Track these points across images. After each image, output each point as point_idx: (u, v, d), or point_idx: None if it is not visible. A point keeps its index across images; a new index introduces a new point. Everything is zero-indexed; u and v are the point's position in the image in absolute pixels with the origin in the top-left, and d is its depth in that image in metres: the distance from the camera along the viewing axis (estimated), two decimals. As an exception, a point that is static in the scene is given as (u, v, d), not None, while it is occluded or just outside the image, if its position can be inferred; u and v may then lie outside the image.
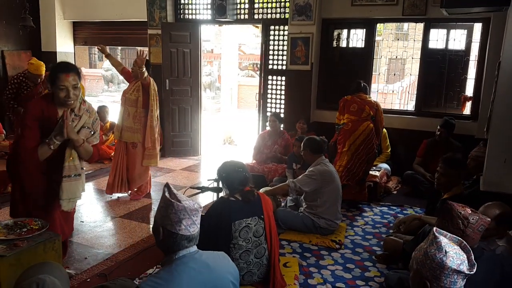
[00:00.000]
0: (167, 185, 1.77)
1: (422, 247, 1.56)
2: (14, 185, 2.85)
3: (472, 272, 1.48)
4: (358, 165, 4.47)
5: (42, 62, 5.53)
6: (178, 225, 1.68)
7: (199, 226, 1.76)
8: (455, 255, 1.49)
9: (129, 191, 4.91)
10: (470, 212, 2.12)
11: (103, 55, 5.20)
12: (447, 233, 1.58)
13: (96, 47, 5.01)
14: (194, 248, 1.77)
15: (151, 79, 4.69)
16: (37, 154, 2.63)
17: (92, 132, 2.89)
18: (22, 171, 2.75)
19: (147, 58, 5.20)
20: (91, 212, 4.44)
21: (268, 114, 6.23)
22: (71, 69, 2.66)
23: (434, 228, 1.59)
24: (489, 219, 2.16)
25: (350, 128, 4.54)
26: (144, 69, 4.52)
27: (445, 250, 1.49)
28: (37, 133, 2.66)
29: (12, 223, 2.54)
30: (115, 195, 4.92)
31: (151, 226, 3.89)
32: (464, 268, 1.48)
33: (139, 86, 4.65)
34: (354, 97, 4.64)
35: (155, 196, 4.97)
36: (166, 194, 1.73)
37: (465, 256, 1.51)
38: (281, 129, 5.77)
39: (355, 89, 4.73)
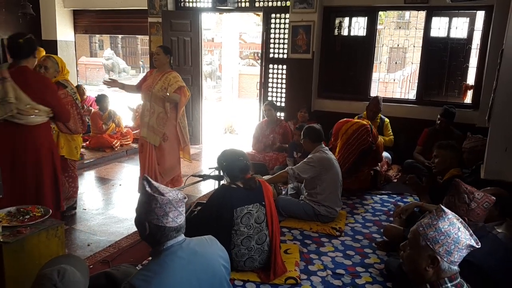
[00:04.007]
0: (145, 179, 1.70)
1: (430, 224, 1.54)
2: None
3: (478, 246, 1.50)
4: (348, 154, 4.48)
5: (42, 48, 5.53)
6: (165, 219, 1.64)
7: (185, 215, 1.72)
8: (464, 230, 1.51)
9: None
10: (476, 190, 2.31)
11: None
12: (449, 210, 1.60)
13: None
14: (182, 236, 1.74)
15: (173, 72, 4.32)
16: None
17: None
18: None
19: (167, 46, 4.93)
20: (94, 200, 4.47)
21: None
22: None
23: (440, 205, 1.59)
24: (494, 198, 2.33)
25: (344, 121, 4.67)
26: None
27: (458, 226, 1.51)
28: None
29: (14, 210, 2.57)
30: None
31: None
32: (474, 242, 1.50)
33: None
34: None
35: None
36: (147, 188, 1.67)
37: (467, 232, 1.53)
38: (278, 117, 5.75)
39: None
